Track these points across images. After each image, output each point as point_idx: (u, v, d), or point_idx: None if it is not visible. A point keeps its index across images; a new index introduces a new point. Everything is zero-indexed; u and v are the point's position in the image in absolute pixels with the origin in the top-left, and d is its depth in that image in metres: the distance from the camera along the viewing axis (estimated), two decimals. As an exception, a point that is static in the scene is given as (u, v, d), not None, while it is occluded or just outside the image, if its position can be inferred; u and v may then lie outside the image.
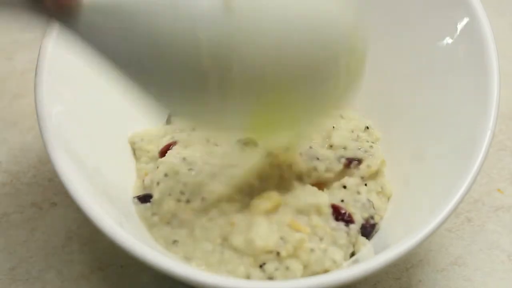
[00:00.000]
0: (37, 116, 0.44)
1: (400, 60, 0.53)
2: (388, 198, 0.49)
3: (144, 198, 0.48)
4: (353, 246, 0.46)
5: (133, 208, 0.47)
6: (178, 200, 0.46)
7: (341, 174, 0.49)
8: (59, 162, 0.42)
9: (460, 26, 0.49)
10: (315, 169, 0.48)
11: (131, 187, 0.49)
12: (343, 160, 0.49)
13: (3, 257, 0.50)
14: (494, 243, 0.51)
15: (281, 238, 0.44)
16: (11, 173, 0.56)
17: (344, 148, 0.50)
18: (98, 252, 0.50)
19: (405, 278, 0.48)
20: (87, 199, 0.41)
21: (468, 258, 0.50)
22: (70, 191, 0.41)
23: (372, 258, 0.40)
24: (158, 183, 0.47)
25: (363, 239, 0.46)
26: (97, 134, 0.48)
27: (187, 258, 0.44)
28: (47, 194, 0.54)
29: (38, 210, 0.53)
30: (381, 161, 0.50)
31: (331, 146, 0.50)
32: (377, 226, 0.47)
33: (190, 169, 0.47)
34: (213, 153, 0.49)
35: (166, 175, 0.48)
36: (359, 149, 0.50)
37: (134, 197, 0.48)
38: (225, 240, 0.44)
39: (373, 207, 0.47)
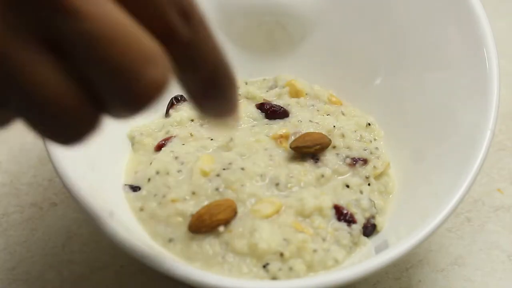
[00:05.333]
0: (37, 116, 0.44)
1: (400, 59, 0.53)
2: (389, 198, 0.49)
3: (134, 189, 0.48)
4: (355, 245, 0.46)
5: (123, 195, 0.48)
6: (160, 203, 0.46)
7: (344, 172, 0.49)
8: (59, 162, 0.42)
9: (460, 26, 0.49)
10: (322, 176, 0.48)
11: (124, 178, 0.50)
12: (348, 160, 0.49)
13: (3, 257, 0.50)
14: (494, 243, 0.51)
15: (284, 239, 0.44)
16: (11, 173, 0.56)
17: (348, 148, 0.50)
18: (98, 252, 0.50)
19: (405, 278, 0.48)
20: (88, 199, 0.41)
21: (468, 258, 0.50)
22: (71, 192, 0.41)
23: (372, 258, 0.40)
24: (149, 180, 0.48)
25: (364, 238, 0.46)
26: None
27: (187, 257, 0.44)
28: (47, 194, 0.54)
29: (38, 210, 0.53)
30: (387, 163, 0.50)
31: (334, 147, 0.50)
32: (378, 226, 0.47)
33: (179, 171, 0.47)
34: (207, 147, 0.49)
35: (157, 172, 0.48)
36: (365, 150, 0.50)
37: (125, 185, 0.48)
38: (226, 245, 0.44)
39: (375, 207, 0.47)
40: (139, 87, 0.27)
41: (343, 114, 0.53)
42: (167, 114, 0.53)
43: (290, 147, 0.49)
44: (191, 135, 0.51)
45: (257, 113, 0.53)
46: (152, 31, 0.28)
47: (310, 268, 0.43)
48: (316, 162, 0.49)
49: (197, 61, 0.31)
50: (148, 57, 0.27)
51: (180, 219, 0.45)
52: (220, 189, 0.46)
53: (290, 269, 0.43)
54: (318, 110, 0.53)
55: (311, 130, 0.51)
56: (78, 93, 0.27)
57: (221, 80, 0.32)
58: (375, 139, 0.52)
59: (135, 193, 0.48)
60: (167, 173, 0.47)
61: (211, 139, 0.50)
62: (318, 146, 0.49)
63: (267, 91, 0.55)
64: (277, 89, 0.55)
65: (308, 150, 0.48)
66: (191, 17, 0.30)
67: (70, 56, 0.27)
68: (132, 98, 0.28)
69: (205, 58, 0.31)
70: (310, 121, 0.51)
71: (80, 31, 0.26)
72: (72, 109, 0.27)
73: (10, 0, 0.26)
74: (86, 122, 0.28)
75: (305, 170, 0.48)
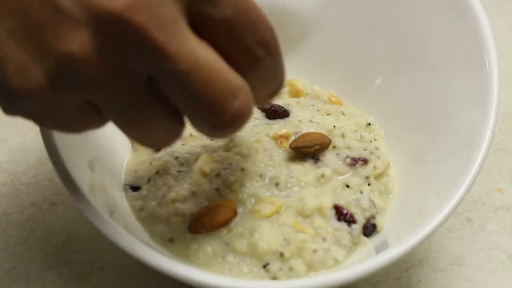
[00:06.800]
0: (37, 116, 0.44)
1: (400, 59, 0.53)
2: (389, 198, 0.49)
3: (134, 189, 0.48)
4: (355, 245, 0.46)
5: (123, 195, 0.48)
6: (160, 203, 0.46)
7: (344, 172, 0.49)
8: (59, 162, 0.42)
9: (460, 26, 0.49)
10: (322, 176, 0.48)
11: (124, 178, 0.50)
12: (348, 160, 0.49)
13: (3, 257, 0.50)
14: (494, 243, 0.51)
15: (285, 239, 0.44)
16: (11, 173, 0.56)
17: (348, 148, 0.50)
18: (98, 252, 0.50)
19: (405, 278, 0.48)
20: (87, 200, 0.41)
21: (468, 258, 0.50)
22: (70, 192, 0.41)
23: (372, 258, 0.40)
24: (149, 180, 0.48)
25: (364, 238, 0.46)
26: (96, 131, 0.48)
27: (187, 257, 0.44)
28: (47, 194, 0.54)
29: (38, 210, 0.53)
30: (387, 163, 0.50)
31: (334, 147, 0.50)
32: (378, 226, 0.47)
33: (179, 171, 0.48)
34: (207, 147, 0.49)
35: (157, 172, 0.48)
36: (365, 150, 0.50)
37: (125, 185, 0.48)
38: (227, 245, 0.44)
39: (375, 207, 0.47)
40: (225, 118, 0.32)
41: (343, 114, 0.53)
42: None
43: (290, 147, 0.49)
44: (191, 135, 0.50)
45: (257, 113, 0.53)
46: (235, 61, 0.32)
47: (310, 268, 0.43)
48: (316, 162, 0.49)
49: (269, 79, 0.35)
50: (233, 90, 0.31)
51: (180, 219, 0.45)
52: (220, 189, 0.46)
53: (290, 269, 0.43)
54: (318, 110, 0.53)
55: (311, 130, 0.51)
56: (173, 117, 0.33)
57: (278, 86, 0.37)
58: (375, 139, 0.52)
59: (135, 193, 0.48)
60: (167, 173, 0.47)
61: (211, 139, 0.50)
62: (317, 146, 0.49)
63: (267, 91, 0.55)
64: (277, 89, 0.55)
65: (307, 150, 0.48)
66: (269, 44, 0.34)
67: (166, 91, 0.32)
68: (219, 127, 0.32)
69: (277, 76, 0.35)
70: (310, 121, 0.51)
71: (173, 71, 0.30)
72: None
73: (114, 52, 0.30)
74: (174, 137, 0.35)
75: (305, 170, 0.48)
